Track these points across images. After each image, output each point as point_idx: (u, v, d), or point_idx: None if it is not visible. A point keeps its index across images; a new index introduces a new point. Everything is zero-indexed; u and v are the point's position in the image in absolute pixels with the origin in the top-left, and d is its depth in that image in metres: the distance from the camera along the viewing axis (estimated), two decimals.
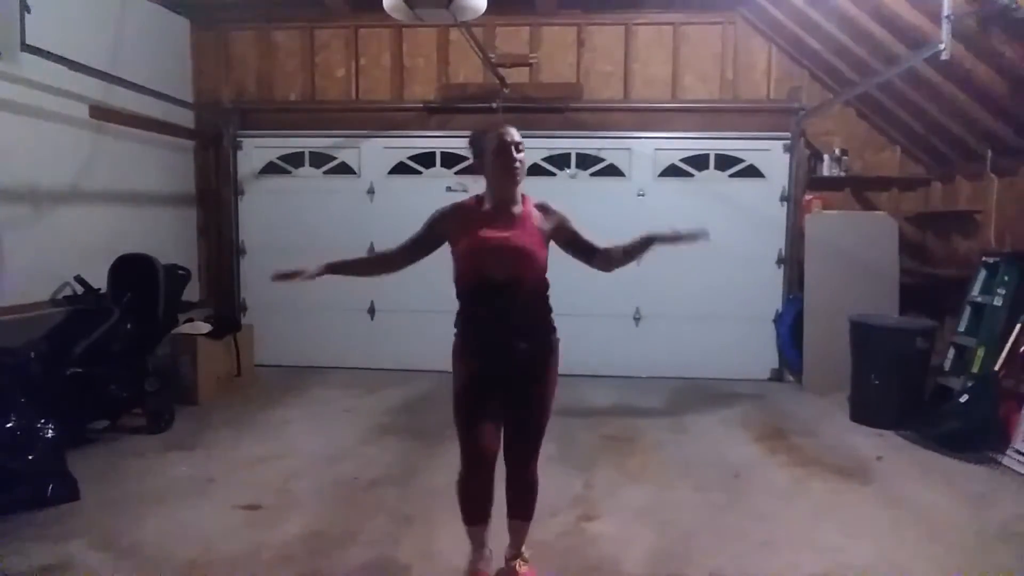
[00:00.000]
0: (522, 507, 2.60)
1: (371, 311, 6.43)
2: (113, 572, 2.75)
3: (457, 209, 2.49)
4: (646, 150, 6.13)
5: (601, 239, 2.50)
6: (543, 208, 2.49)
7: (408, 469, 3.88)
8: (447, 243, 2.48)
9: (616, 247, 2.49)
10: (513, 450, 2.50)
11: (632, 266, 2.51)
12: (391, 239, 6.98)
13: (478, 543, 2.61)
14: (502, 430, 2.48)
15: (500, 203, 2.43)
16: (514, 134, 2.40)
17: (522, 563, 2.66)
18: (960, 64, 4.20)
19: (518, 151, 2.39)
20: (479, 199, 2.49)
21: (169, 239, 5.93)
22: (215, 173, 6.44)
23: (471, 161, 2.52)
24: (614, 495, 3.56)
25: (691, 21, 6.07)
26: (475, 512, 2.54)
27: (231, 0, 6.01)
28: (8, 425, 3.32)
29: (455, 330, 2.53)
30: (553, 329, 2.54)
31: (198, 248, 6.47)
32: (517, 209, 2.44)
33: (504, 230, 2.38)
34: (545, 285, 2.49)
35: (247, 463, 3.95)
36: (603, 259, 2.52)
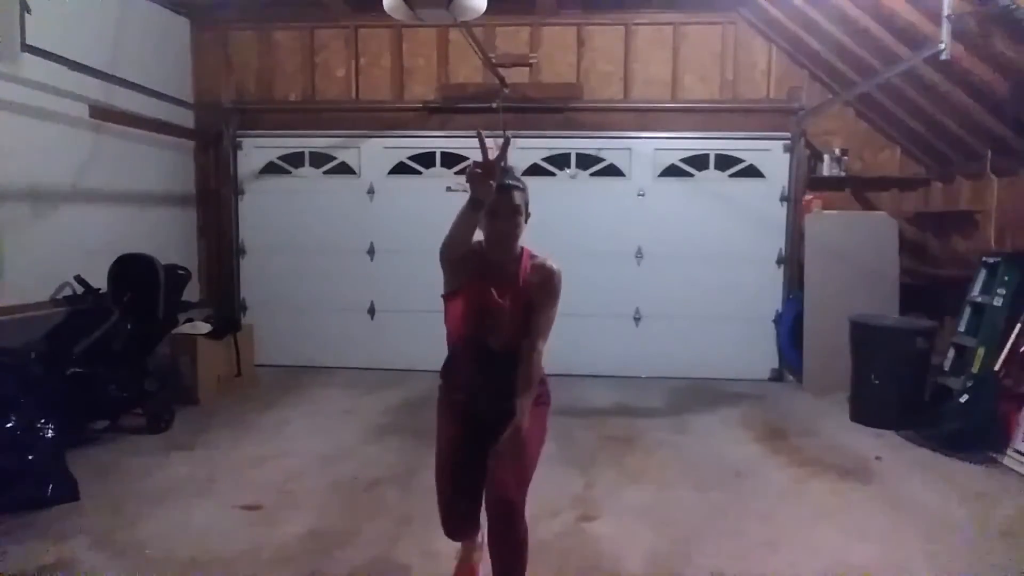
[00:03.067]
0: (510, 570, 2.26)
1: (371, 311, 6.42)
2: (113, 572, 2.75)
3: (471, 253, 2.22)
4: (646, 150, 6.13)
5: (540, 343, 2.23)
6: (540, 268, 2.27)
7: (408, 469, 3.87)
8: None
9: (522, 374, 2.20)
10: (497, 508, 2.21)
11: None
12: (391, 239, 7.00)
13: (466, 549, 2.63)
14: (481, 479, 2.28)
15: (496, 256, 2.26)
16: (513, 197, 2.17)
17: None
18: (960, 64, 4.20)
19: (513, 218, 2.18)
20: (480, 244, 2.26)
21: (169, 239, 5.94)
22: (215, 173, 6.44)
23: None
24: (614, 495, 3.57)
25: (691, 21, 6.08)
26: (460, 535, 2.56)
27: (231, 0, 6.01)
28: (8, 425, 3.32)
29: (440, 383, 2.46)
30: (543, 384, 2.34)
31: (198, 248, 6.47)
32: (513, 267, 2.26)
33: (498, 288, 2.22)
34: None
35: (247, 463, 3.95)
36: (522, 356, 2.22)
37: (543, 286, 2.25)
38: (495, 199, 2.11)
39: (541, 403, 2.34)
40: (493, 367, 2.25)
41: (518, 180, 2.24)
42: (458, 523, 2.45)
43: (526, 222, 2.25)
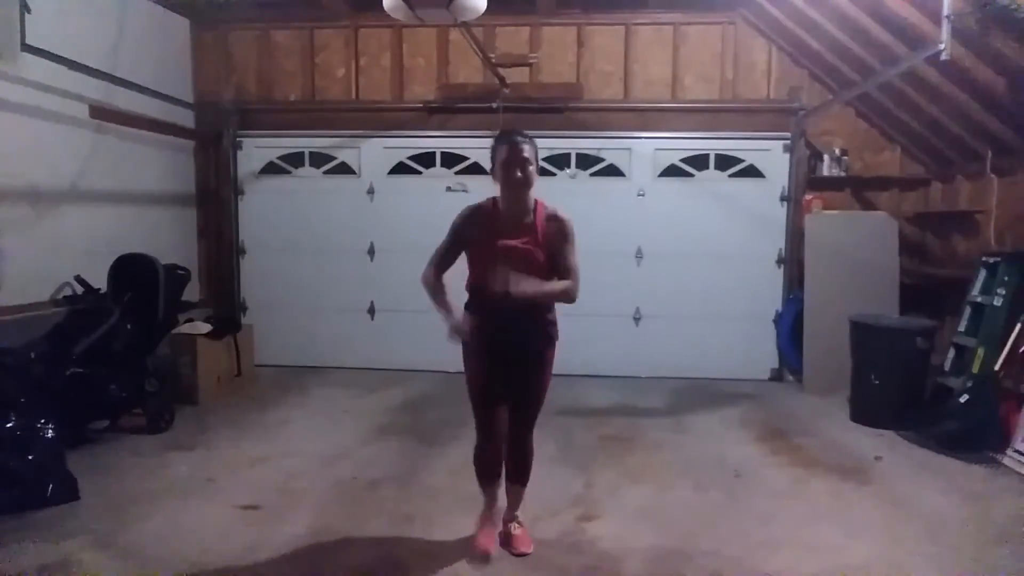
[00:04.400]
0: (519, 473, 2.93)
1: (371, 311, 6.42)
2: (113, 572, 2.75)
3: (475, 212, 2.66)
4: (646, 150, 6.13)
5: (572, 275, 2.66)
6: (554, 217, 2.66)
7: (408, 469, 3.88)
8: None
9: (557, 284, 2.66)
10: (513, 423, 2.82)
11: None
12: (391, 239, 7.00)
13: (490, 497, 2.99)
14: (507, 398, 2.80)
15: (512, 210, 2.62)
16: (522, 149, 2.54)
17: (517, 526, 2.98)
18: (960, 64, 4.20)
19: (524, 167, 2.53)
20: (495, 201, 2.66)
21: (169, 239, 5.94)
22: (215, 173, 6.44)
23: (490, 167, 2.67)
24: (614, 495, 3.57)
25: (691, 21, 6.08)
26: (487, 474, 2.94)
27: (231, 0, 6.01)
28: (8, 425, 3.33)
29: (466, 312, 2.77)
30: (553, 323, 2.78)
31: (198, 248, 6.47)
32: (529, 219, 2.63)
33: (516, 238, 2.58)
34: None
35: (247, 463, 3.95)
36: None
37: (561, 234, 2.64)
38: (507, 151, 2.54)
39: (551, 342, 2.77)
40: (506, 301, 2.54)
41: (525, 136, 2.61)
42: (493, 435, 2.81)
43: (537, 174, 2.60)
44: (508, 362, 2.70)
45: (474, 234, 2.64)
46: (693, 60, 6.12)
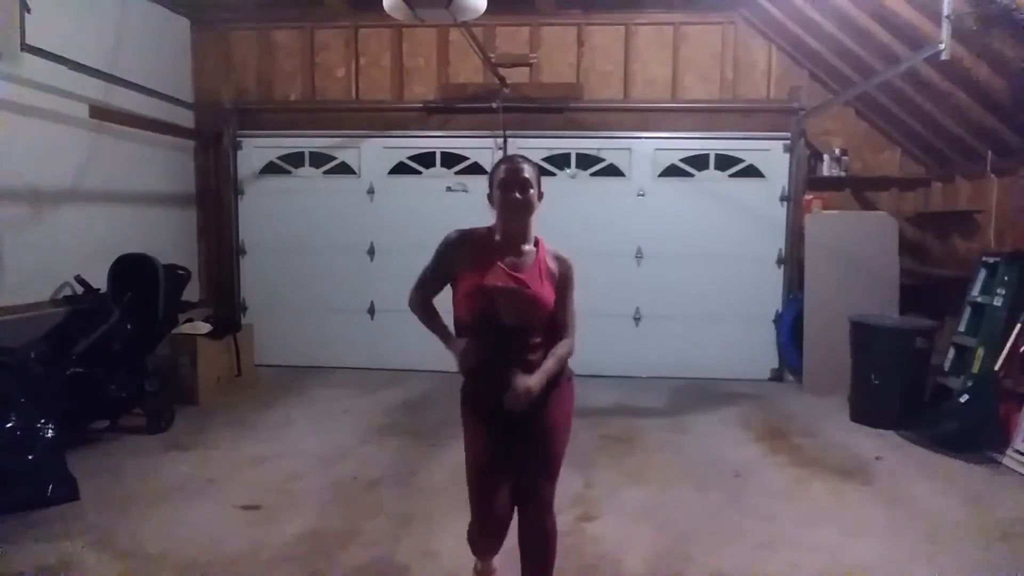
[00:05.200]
0: (540, 569, 2.32)
1: (371, 311, 6.43)
2: (113, 572, 2.75)
3: (466, 240, 2.31)
4: (646, 150, 6.13)
5: (571, 328, 2.35)
6: (557, 258, 2.34)
7: (408, 469, 3.88)
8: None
9: (558, 349, 2.30)
10: (526, 497, 2.30)
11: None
12: (391, 239, 6.97)
13: (487, 565, 2.58)
14: (514, 478, 2.31)
15: (510, 239, 2.28)
16: (523, 169, 2.24)
17: None
18: (960, 64, 4.20)
19: (524, 188, 2.22)
20: (491, 230, 2.33)
21: (169, 239, 5.94)
22: (215, 173, 6.45)
23: (487, 191, 2.34)
24: (614, 495, 3.57)
25: (691, 21, 6.08)
26: (486, 554, 2.52)
27: (231, 0, 6.01)
28: (8, 425, 3.33)
29: (463, 382, 2.41)
30: (562, 370, 2.35)
31: (198, 248, 6.47)
32: (528, 248, 2.30)
33: (516, 272, 2.25)
34: (554, 329, 2.32)
35: (247, 463, 3.96)
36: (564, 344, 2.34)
37: (566, 279, 2.33)
38: (506, 171, 2.24)
39: (567, 390, 2.37)
40: (503, 343, 2.25)
41: (527, 159, 2.31)
42: (492, 526, 2.33)
43: (539, 200, 2.29)
44: (511, 419, 2.21)
45: (463, 266, 2.26)
46: (693, 60, 6.12)
